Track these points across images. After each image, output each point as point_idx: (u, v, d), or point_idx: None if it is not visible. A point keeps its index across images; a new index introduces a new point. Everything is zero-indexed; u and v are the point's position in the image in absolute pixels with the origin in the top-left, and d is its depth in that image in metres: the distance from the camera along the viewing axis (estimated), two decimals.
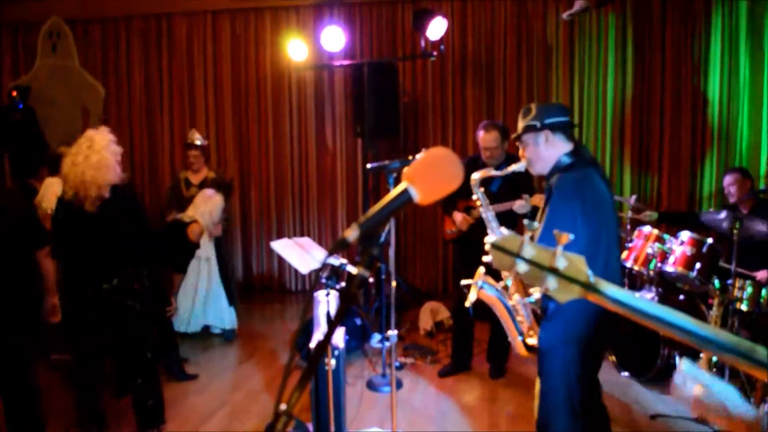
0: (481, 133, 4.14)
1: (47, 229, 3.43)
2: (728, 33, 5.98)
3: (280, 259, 6.73)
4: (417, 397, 4.17)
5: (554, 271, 1.05)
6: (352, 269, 0.94)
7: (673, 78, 6.15)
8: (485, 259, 2.36)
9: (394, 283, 3.72)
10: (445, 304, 5.59)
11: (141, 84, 7.26)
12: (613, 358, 4.48)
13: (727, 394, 1.19)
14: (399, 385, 4.28)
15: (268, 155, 7.11)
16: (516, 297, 2.42)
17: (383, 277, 4.64)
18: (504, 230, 2.41)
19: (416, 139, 6.79)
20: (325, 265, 3.14)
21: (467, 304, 2.57)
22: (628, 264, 4.49)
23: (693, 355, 4.05)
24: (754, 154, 5.93)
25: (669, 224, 5.35)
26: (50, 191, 4.34)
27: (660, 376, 4.17)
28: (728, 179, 4.65)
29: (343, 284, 3.20)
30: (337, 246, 1.06)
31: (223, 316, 5.41)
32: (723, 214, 4.10)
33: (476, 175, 2.53)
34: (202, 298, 5.35)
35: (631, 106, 6.29)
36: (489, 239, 2.41)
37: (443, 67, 6.63)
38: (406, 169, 1.09)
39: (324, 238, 7.00)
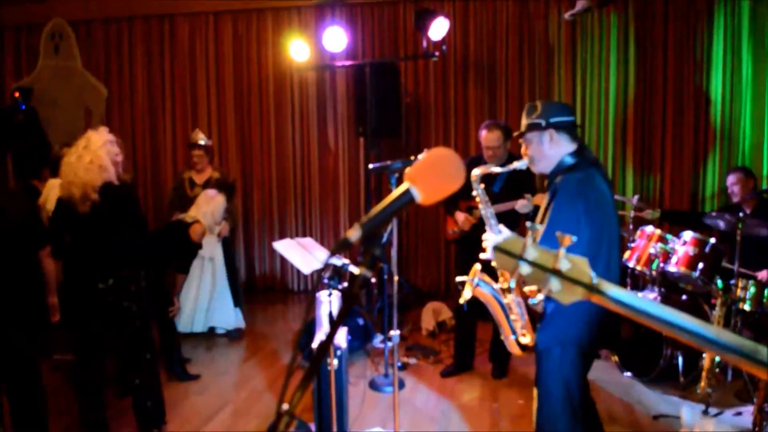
0: (483, 133, 4.14)
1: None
2: (730, 32, 5.97)
3: (283, 260, 6.73)
4: (419, 397, 4.17)
5: (557, 273, 1.05)
6: (355, 269, 0.95)
7: (676, 77, 6.15)
8: (482, 256, 2.37)
9: (396, 279, 3.72)
10: (447, 304, 5.59)
11: (143, 85, 7.27)
12: (616, 358, 4.48)
13: None
14: (401, 385, 4.28)
15: (270, 155, 7.12)
16: (511, 295, 2.41)
17: (385, 277, 4.64)
18: (502, 228, 2.42)
19: (418, 139, 6.79)
20: (327, 266, 3.14)
21: (461, 300, 2.56)
22: (631, 264, 4.48)
23: (695, 355, 4.05)
24: (757, 153, 5.92)
25: (672, 224, 5.34)
26: (53, 193, 4.34)
27: (662, 377, 4.17)
28: (731, 179, 4.64)
29: (345, 284, 3.20)
30: (339, 246, 1.06)
31: (228, 316, 5.42)
32: (726, 216, 4.10)
33: (477, 171, 2.51)
34: (207, 299, 5.35)
35: (634, 106, 6.28)
36: (487, 236, 2.42)
37: (445, 68, 6.63)
38: (407, 170, 1.09)
39: (326, 238, 7.01)
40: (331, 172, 7.01)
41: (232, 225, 5.53)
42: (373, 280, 5.46)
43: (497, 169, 2.65)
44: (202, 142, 5.34)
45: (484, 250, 2.38)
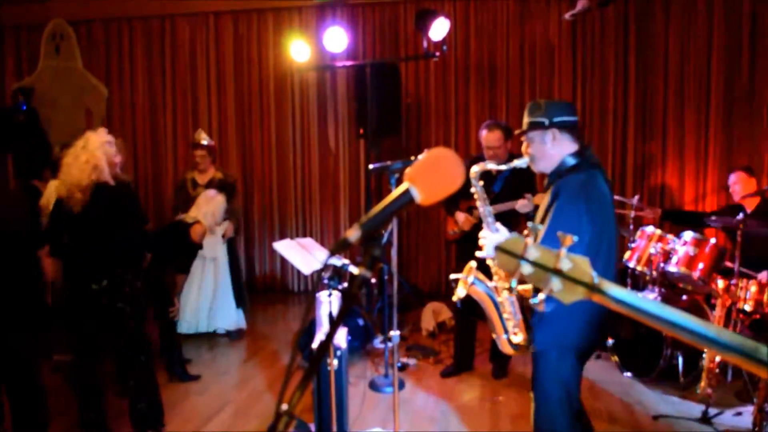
0: (483, 133, 4.14)
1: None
2: (730, 32, 5.97)
3: (283, 260, 6.73)
4: (419, 397, 4.17)
5: (559, 272, 1.05)
6: (354, 270, 0.95)
7: (676, 77, 6.15)
8: (479, 254, 2.37)
9: (396, 279, 3.72)
10: (447, 304, 5.59)
11: (144, 85, 7.27)
12: (616, 358, 4.48)
13: None
14: (401, 385, 4.28)
15: (270, 156, 7.12)
16: (504, 294, 2.40)
17: (386, 277, 4.64)
18: (500, 226, 2.42)
19: (419, 139, 6.79)
20: (327, 266, 3.14)
21: (454, 298, 2.56)
22: (631, 264, 4.49)
23: (695, 355, 4.05)
24: (758, 152, 5.92)
25: (672, 223, 5.34)
26: (54, 193, 4.36)
27: (663, 377, 4.16)
28: (733, 178, 4.64)
29: (345, 285, 3.20)
30: (338, 246, 1.07)
31: (229, 317, 5.41)
32: (726, 217, 4.11)
33: (476, 168, 2.48)
34: (209, 299, 5.35)
35: (634, 106, 6.28)
36: (484, 234, 2.41)
37: (446, 68, 6.63)
38: (407, 170, 1.09)
39: (326, 238, 7.01)
40: (331, 172, 7.01)
41: (236, 226, 5.52)
42: (373, 280, 5.46)
43: (496, 166, 2.62)
44: (204, 142, 5.34)
45: (481, 249, 2.38)
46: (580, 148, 2.39)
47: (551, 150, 2.38)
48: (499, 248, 1.09)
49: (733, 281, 3.91)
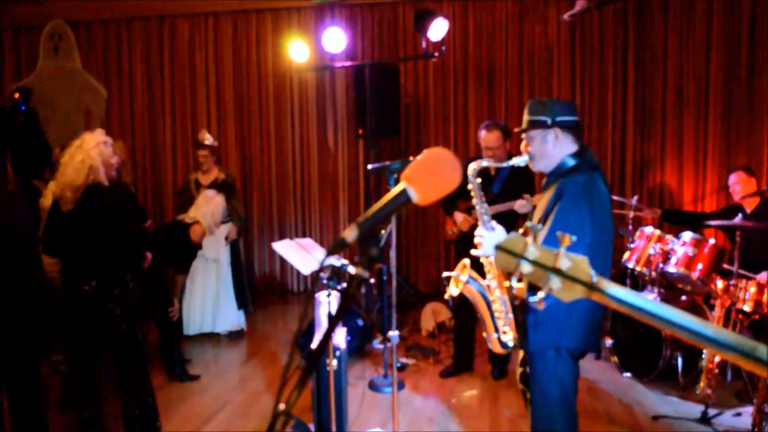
0: (482, 133, 4.14)
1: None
2: (730, 32, 5.97)
3: (282, 260, 6.73)
4: (419, 397, 4.17)
5: (558, 271, 1.05)
6: (352, 269, 0.95)
7: (675, 77, 6.15)
8: (474, 252, 2.36)
9: (395, 279, 3.72)
10: (446, 304, 5.59)
11: (143, 86, 7.27)
12: (615, 358, 4.48)
13: None
14: (401, 385, 4.28)
15: (269, 156, 7.13)
16: (497, 292, 2.39)
17: (385, 278, 4.64)
18: (495, 225, 2.41)
19: (418, 139, 6.79)
20: (325, 266, 3.14)
21: (446, 296, 2.55)
22: (630, 264, 4.49)
23: (695, 356, 4.05)
24: (758, 152, 5.92)
25: (672, 224, 5.34)
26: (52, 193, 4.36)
27: (662, 377, 4.17)
28: (732, 178, 4.64)
29: (344, 285, 3.19)
30: (335, 246, 1.07)
31: (230, 318, 5.42)
32: (725, 218, 4.11)
33: (473, 165, 2.46)
34: (211, 301, 5.35)
35: (633, 106, 6.29)
36: (479, 232, 2.41)
37: (444, 68, 6.63)
38: (404, 170, 1.09)
39: (326, 238, 7.01)
40: (330, 172, 7.01)
41: (239, 228, 5.52)
42: (372, 280, 5.46)
43: (489, 164, 2.59)
44: (208, 142, 5.34)
45: (476, 246, 2.37)
46: (580, 149, 2.38)
47: (552, 149, 2.36)
48: (499, 247, 1.09)
49: (732, 282, 3.91)
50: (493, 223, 2.40)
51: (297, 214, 7.15)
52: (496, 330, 2.41)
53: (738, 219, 4.01)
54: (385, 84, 5.79)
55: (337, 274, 3.16)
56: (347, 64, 6.13)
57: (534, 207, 3.92)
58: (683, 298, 4.47)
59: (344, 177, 6.98)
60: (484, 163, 2.48)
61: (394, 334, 3.58)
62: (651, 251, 4.30)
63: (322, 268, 3.06)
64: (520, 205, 4.01)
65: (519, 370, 2.62)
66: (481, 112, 6.56)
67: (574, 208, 2.17)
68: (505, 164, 2.60)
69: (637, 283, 4.89)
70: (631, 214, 4.96)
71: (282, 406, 1.00)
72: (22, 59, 7.46)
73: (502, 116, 6.40)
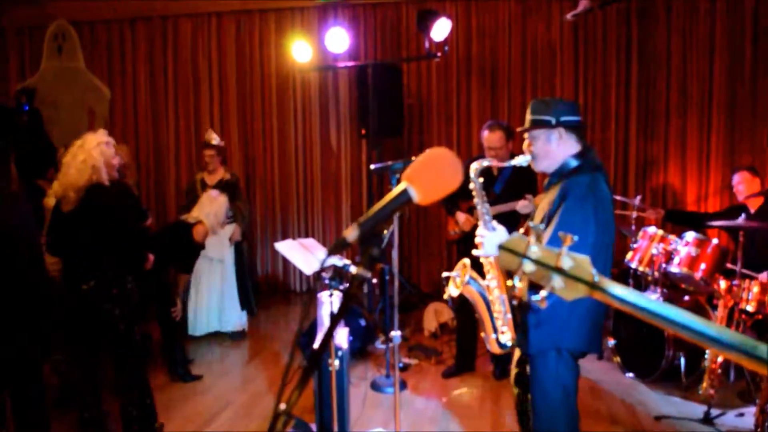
0: (485, 133, 4.13)
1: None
2: (733, 33, 5.96)
3: (285, 260, 6.74)
4: (421, 398, 4.17)
5: (560, 270, 1.06)
6: (354, 269, 0.96)
7: (678, 77, 6.14)
8: (475, 252, 2.36)
9: (397, 279, 3.72)
10: (448, 304, 5.59)
11: (146, 86, 7.29)
12: (618, 359, 4.47)
13: None
14: (403, 386, 4.28)
15: (272, 156, 7.13)
16: (495, 292, 2.38)
17: (387, 278, 4.64)
18: (496, 225, 2.40)
19: (421, 139, 6.79)
20: (328, 266, 3.14)
21: (445, 296, 2.54)
22: (633, 264, 4.48)
23: (698, 356, 4.04)
24: (761, 152, 5.91)
25: (675, 224, 5.33)
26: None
27: (665, 377, 4.16)
28: (736, 178, 4.63)
29: (346, 285, 3.19)
30: (336, 246, 1.07)
31: (233, 318, 5.42)
32: (729, 218, 4.10)
33: (475, 165, 2.45)
34: (215, 301, 5.36)
35: (636, 106, 6.28)
36: (480, 232, 2.40)
37: (447, 68, 6.63)
38: (406, 170, 1.09)
39: (328, 238, 7.01)
40: (333, 172, 7.02)
41: (244, 229, 5.52)
42: (375, 281, 5.46)
43: (489, 163, 2.57)
44: (215, 142, 5.35)
45: (477, 247, 2.37)
46: (583, 149, 2.37)
47: (556, 149, 2.35)
48: (502, 247, 1.10)
49: (736, 282, 3.90)
50: (494, 223, 2.39)
51: (300, 214, 7.16)
52: (495, 330, 2.40)
53: (741, 219, 4.00)
54: (388, 84, 5.79)
55: (340, 274, 3.16)
56: (350, 64, 6.13)
57: (536, 207, 3.92)
58: (686, 298, 4.46)
59: (347, 177, 6.99)
60: (486, 162, 2.46)
61: (396, 334, 3.58)
62: (654, 251, 4.30)
63: (323, 269, 3.06)
64: (522, 206, 4.00)
65: (514, 370, 2.62)
66: (483, 112, 6.55)
67: (578, 209, 2.16)
68: (507, 164, 2.58)
69: (640, 283, 4.88)
70: (634, 214, 4.95)
71: (283, 406, 1.00)
72: (26, 59, 7.48)
73: (504, 116, 6.39)
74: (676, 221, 5.26)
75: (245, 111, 7.14)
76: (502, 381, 4.36)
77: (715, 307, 4.16)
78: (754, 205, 4.51)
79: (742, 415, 3.73)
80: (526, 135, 2.44)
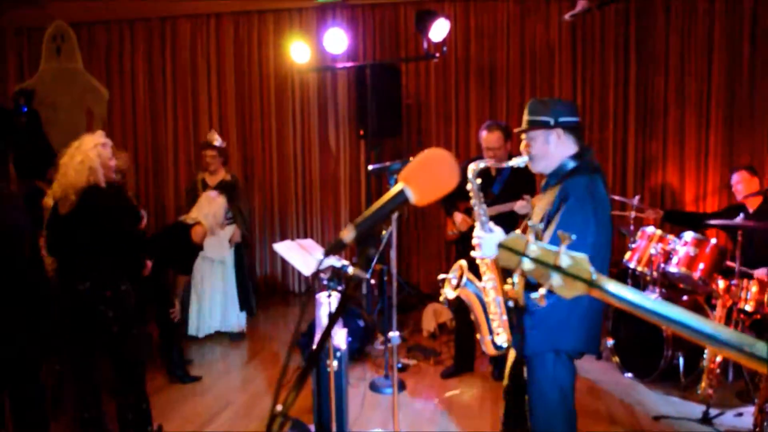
0: (483, 134, 4.13)
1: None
2: (732, 33, 5.97)
3: (284, 261, 6.74)
4: (419, 398, 4.17)
5: (558, 269, 1.07)
6: (351, 270, 0.96)
7: (677, 77, 6.15)
8: (473, 253, 2.35)
9: (395, 280, 3.72)
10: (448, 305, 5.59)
11: (145, 87, 7.29)
12: (617, 359, 4.47)
13: None
14: (401, 386, 4.28)
15: (271, 157, 7.13)
16: (492, 294, 2.38)
17: (385, 278, 4.64)
18: (493, 226, 2.40)
19: (419, 140, 6.79)
20: (326, 267, 3.14)
21: (441, 299, 2.54)
22: (632, 265, 4.48)
23: (696, 356, 4.04)
24: (759, 152, 5.92)
25: (673, 224, 5.34)
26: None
27: (663, 377, 4.16)
28: (735, 177, 4.63)
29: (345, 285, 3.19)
30: (333, 247, 1.07)
31: (232, 319, 5.42)
32: (727, 218, 4.11)
33: (472, 166, 2.43)
34: (215, 302, 5.36)
35: (634, 106, 6.28)
36: (477, 233, 2.40)
37: (446, 69, 6.63)
38: (402, 170, 1.09)
39: (327, 239, 7.01)
40: (332, 173, 7.02)
41: (244, 231, 5.51)
42: (373, 281, 5.47)
43: (486, 164, 2.56)
44: (216, 143, 5.35)
45: (473, 248, 2.36)
46: (581, 150, 2.36)
47: (554, 150, 2.34)
48: (502, 245, 1.10)
49: (734, 281, 3.91)
50: (491, 224, 2.38)
51: (298, 214, 7.16)
52: (491, 332, 2.39)
53: (740, 219, 4.00)
54: (387, 84, 5.80)
55: (338, 274, 3.16)
56: (349, 64, 6.14)
57: (533, 208, 3.92)
58: (685, 297, 4.46)
59: (346, 177, 6.99)
60: (482, 164, 2.45)
61: (394, 334, 3.58)
62: (652, 251, 4.30)
63: (320, 270, 3.05)
64: (520, 206, 4.00)
65: (508, 370, 2.62)
66: (482, 112, 6.56)
67: (579, 210, 2.16)
68: (504, 165, 2.57)
69: (639, 283, 4.88)
70: (633, 214, 4.95)
71: (279, 408, 1.00)
72: (24, 61, 7.48)
73: (503, 116, 6.39)
74: (675, 221, 5.27)
75: (244, 112, 7.14)
76: (501, 381, 4.35)
77: (713, 307, 4.16)
78: (752, 205, 4.52)
79: (740, 414, 3.73)
80: (523, 136, 2.42)
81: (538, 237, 1.12)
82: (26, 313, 3.12)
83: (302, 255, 3.68)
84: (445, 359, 4.80)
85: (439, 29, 5.35)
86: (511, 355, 2.56)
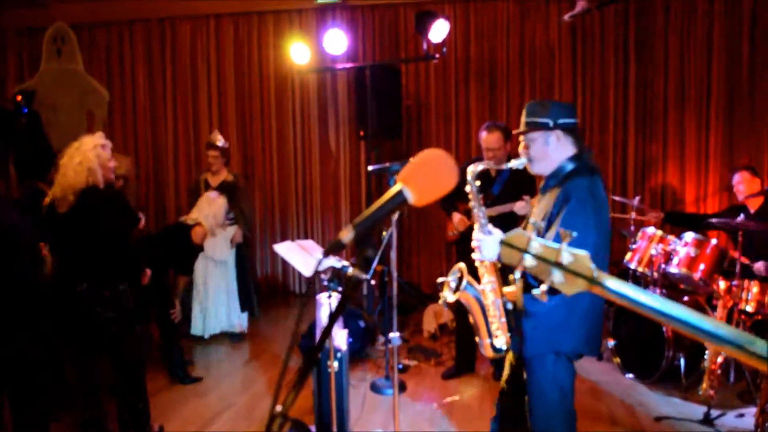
0: (483, 134, 4.13)
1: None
2: (731, 33, 5.96)
3: (284, 262, 6.74)
4: (420, 399, 4.16)
5: (560, 265, 1.08)
6: (350, 270, 0.96)
7: (676, 77, 6.15)
8: (475, 256, 2.35)
9: (395, 281, 3.72)
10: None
11: (145, 88, 7.29)
12: (618, 359, 4.47)
13: None
14: (402, 387, 4.28)
15: (271, 158, 7.14)
16: (491, 296, 2.37)
17: (386, 279, 4.64)
18: (492, 228, 2.40)
19: (419, 141, 6.79)
20: (326, 268, 3.14)
21: (440, 302, 2.53)
22: (632, 265, 4.48)
23: (697, 356, 4.03)
24: (759, 152, 5.91)
25: (674, 225, 5.33)
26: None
27: (664, 378, 4.15)
28: (737, 177, 4.63)
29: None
30: (332, 248, 1.07)
31: (233, 320, 5.42)
32: (727, 218, 4.10)
33: (471, 168, 2.42)
34: (215, 302, 5.36)
35: (634, 107, 6.28)
36: (476, 236, 2.39)
37: (446, 70, 6.63)
38: (401, 171, 1.09)
39: (327, 240, 7.01)
40: (332, 174, 7.02)
41: (245, 231, 5.51)
42: (373, 282, 5.46)
43: (491, 166, 2.55)
44: (219, 144, 5.36)
45: (473, 250, 2.36)
46: (579, 152, 2.36)
47: (553, 152, 2.34)
48: (504, 242, 1.11)
49: (735, 282, 3.90)
50: (490, 227, 2.38)
51: (299, 215, 7.16)
52: (490, 335, 2.38)
53: (740, 219, 4.00)
54: (387, 85, 5.80)
55: (338, 275, 3.16)
56: (348, 65, 6.14)
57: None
58: (685, 298, 4.46)
59: (346, 178, 6.99)
60: (481, 166, 2.44)
61: (395, 335, 3.58)
62: (653, 252, 4.30)
63: (318, 271, 3.05)
64: (519, 207, 4.00)
65: (507, 372, 2.62)
66: (482, 113, 6.56)
67: (581, 211, 2.17)
68: (503, 167, 2.56)
69: (639, 283, 4.87)
70: (633, 215, 4.94)
71: (279, 408, 1.00)
72: (25, 62, 7.49)
73: (503, 117, 6.39)
74: (676, 223, 5.26)
75: (244, 113, 7.14)
76: None
77: (714, 308, 4.15)
78: (754, 205, 4.51)
79: (742, 415, 3.73)
80: (521, 138, 2.42)
81: (540, 235, 1.12)
82: (26, 313, 3.12)
83: (302, 256, 3.68)
84: (446, 360, 4.80)
85: (439, 30, 5.35)
86: (509, 356, 2.56)
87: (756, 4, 5.86)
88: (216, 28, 7.10)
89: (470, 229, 4.19)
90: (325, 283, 3.12)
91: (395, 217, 3.57)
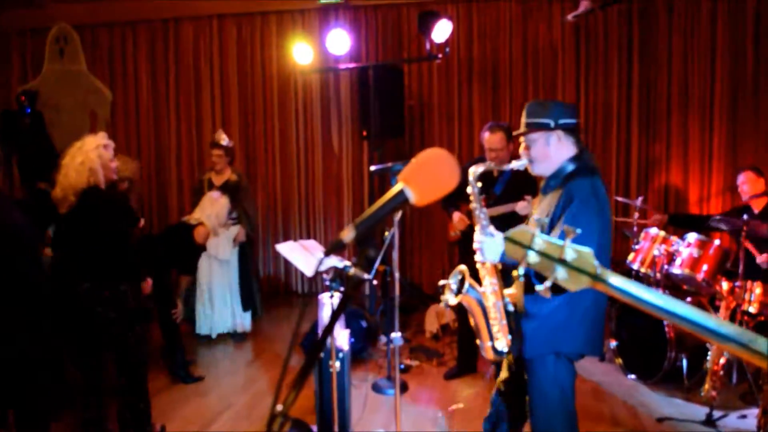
0: (486, 135, 4.12)
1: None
2: (734, 33, 5.95)
3: (287, 262, 6.74)
4: (422, 399, 4.16)
5: (563, 262, 1.08)
6: (352, 270, 0.96)
7: (680, 77, 6.13)
8: (476, 258, 2.35)
9: (398, 281, 3.72)
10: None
11: (148, 88, 7.30)
12: (620, 360, 4.46)
13: None
14: (404, 387, 4.28)
15: (274, 158, 7.14)
16: (492, 299, 2.37)
17: (388, 279, 4.64)
18: (493, 230, 2.39)
19: (422, 141, 6.79)
20: (328, 267, 3.14)
21: (442, 305, 2.53)
22: (635, 266, 4.47)
23: (700, 357, 4.02)
24: (764, 153, 5.89)
25: (678, 227, 5.32)
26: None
27: (667, 379, 4.15)
28: (741, 178, 4.62)
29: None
30: (333, 247, 1.07)
31: (235, 319, 5.43)
32: (731, 219, 4.09)
33: (473, 169, 2.42)
34: (226, 301, 5.37)
35: (637, 107, 6.27)
36: (477, 238, 2.39)
37: (449, 70, 6.63)
38: (402, 170, 1.09)
39: (330, 240, 7.01)
40: (334, 173, 7.02)
41: (249, 231, 5.52)
42: (375, 282, 5.46)
43: (493, 167, 2.55)
44: (223, 143, 5.36)
45: (475, 252, 2.36)
46: (579, 152, 2.36)
47: (554, 153, 2.33)
48: (508, 238, 1.11)
49: (738, 283, 3.89)
50: (492, 228, 2.37)
51: (301, 215, 7.16)
52: (491, 338, 2.38)
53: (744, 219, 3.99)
54: (390, 85, 5.79)
55: (340, 275, 3.15)
56: (351, 65, 6.14)
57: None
58: (688, 299, 4.44)
59: (348, 178, 6.99)
60: (482, 167, 2.43)
61: (397, 335, 3.58)
62: (656, 252, 4.29)
63: (320, 271, 3.05)
64: (521, 207, 3.99)
65: (505, 372, 2.61)
66: (485, 113, 6.55)
67: (584, 211, 2.17)
68: (505, 168, 2.56)
69: (642, 284, 4.86)
70: (636, 216, 4.93)
71: (279, 407, 1.00)
72: (28, 62, 7.50)
73: (506, 117, 6.38)
74: (679, 225, 5.24)
75: (247, 113, 7.15)
76: None
77: (717, 309, 4.14)
78: (758, 206, 4.50)
79: (744, 417, 3.72)
80: (522, 138, 2.41)
81: (543, 231, 1.12)
82: (27, 313, 3.13)
83: (305, 256, 3.68)
84: (448, 360, 4.79)
85: (442, 30, 5.34)
86: (508, 358, 2.55)
87: (760, 4, 5.84)
88: (219, 28, 7.10)
89: (471, 229, 4.20)
90: (327, 282, 3.12)
91: (398, 217, 3.57)
